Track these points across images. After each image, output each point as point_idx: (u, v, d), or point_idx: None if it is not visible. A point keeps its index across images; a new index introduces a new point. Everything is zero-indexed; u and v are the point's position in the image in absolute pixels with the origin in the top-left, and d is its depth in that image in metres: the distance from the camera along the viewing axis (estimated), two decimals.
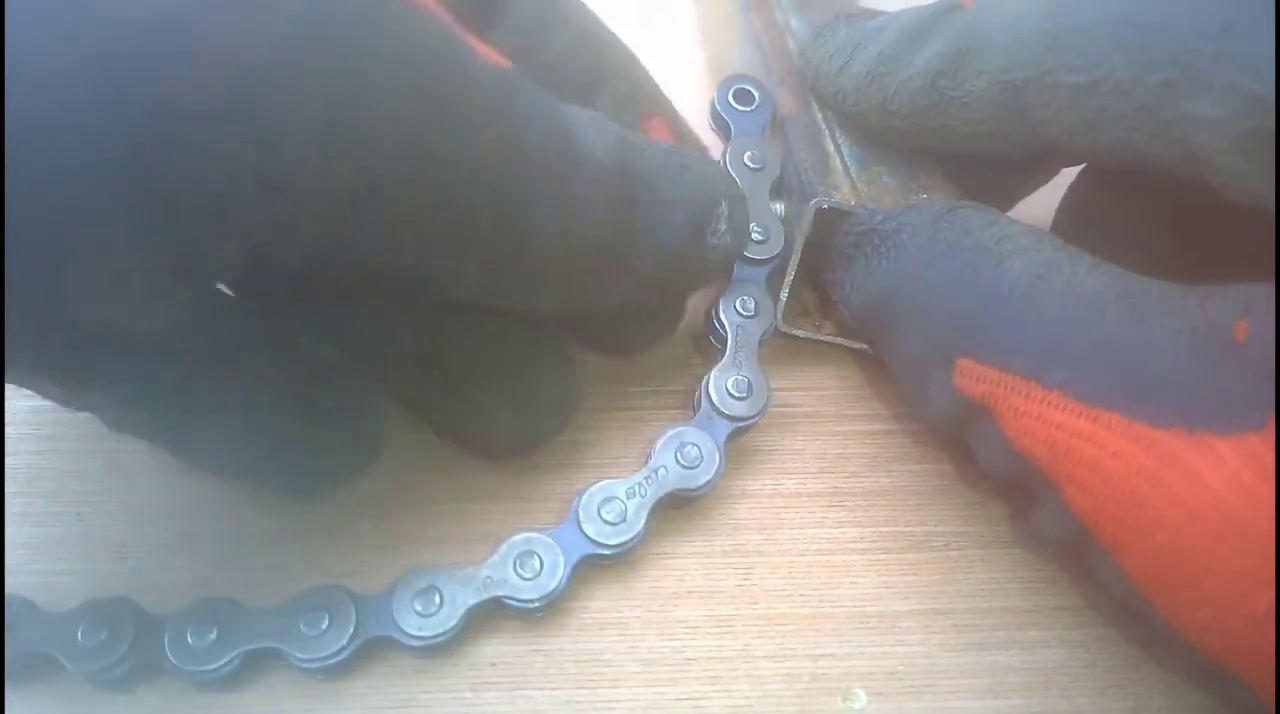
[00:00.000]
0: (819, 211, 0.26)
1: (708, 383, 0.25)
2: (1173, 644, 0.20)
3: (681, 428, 0.25)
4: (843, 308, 0.26)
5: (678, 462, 0.24)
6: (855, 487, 0.26)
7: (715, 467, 0.24)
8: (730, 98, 0.29)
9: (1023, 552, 0.26)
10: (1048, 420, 0.20)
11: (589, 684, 0.23)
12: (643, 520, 0.23)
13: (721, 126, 0.29)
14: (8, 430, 0.25)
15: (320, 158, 0.17)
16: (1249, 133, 0.18)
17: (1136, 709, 0.23)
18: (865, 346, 0.27)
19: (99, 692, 0.22)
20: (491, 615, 0.23)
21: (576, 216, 0.20)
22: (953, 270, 0.23)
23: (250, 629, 0.22)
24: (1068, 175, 0.27)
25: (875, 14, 0.27)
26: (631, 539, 0.23)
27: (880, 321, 0.25)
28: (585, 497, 0.24)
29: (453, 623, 0.22)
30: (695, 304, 0.27)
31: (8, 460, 0.25)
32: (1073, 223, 0.27)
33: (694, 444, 0.24)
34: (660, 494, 0.24)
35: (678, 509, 0.25)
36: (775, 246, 0.27)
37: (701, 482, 0.24)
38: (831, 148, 0.27)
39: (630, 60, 0.27)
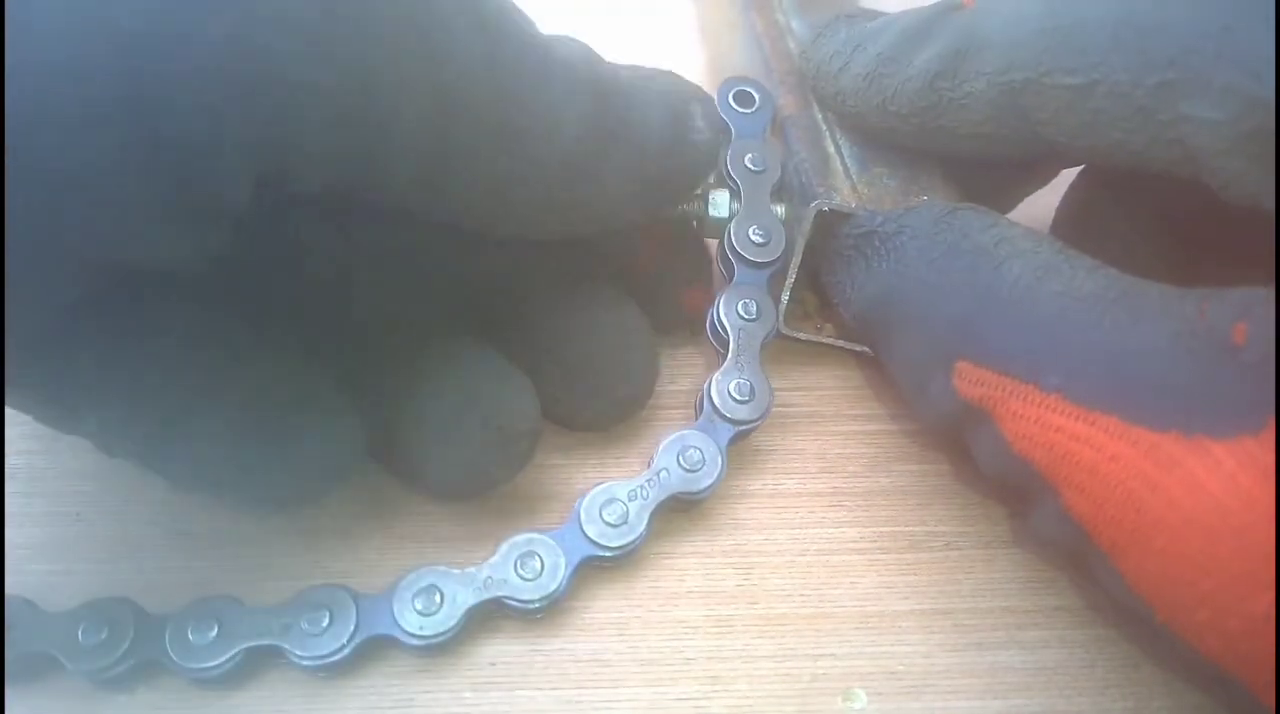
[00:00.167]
0: (819, 214, 0.26)
1: (710, 386, 0.25)
2: (1172, 645, 0.20)
3: (684, 431, 0.25)
4: (843, 310, 0.26)
5: (680, 465, 0.24)
6: (855, 487, 0.27)
7: (717, 470, 0.24)
8: (730, 100, 0.29)
9: (1023, 552, 0.26)
10: (1046, 423, 0.20)
11: (589, 684, 0.23)
12: (644, 523, 0.24)
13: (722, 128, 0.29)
14: (8, 430, 0.25)
15: (314, 70, 0.17)
16: (1248, 134, 0.18)
17: (1136, 709, 0.23)
18: (866, 349, 0.27)
19: (99, 691, 0.22)
20: (492, 615, 0.23)
21: (560, 119, 0.21)
22: (952, 273, 0.23)
23: (251, 626, 0.22)
24: (1067, 177, 0.27)
25: (875, 15, 0.27)
26: (633, 541, 0.23)
27: (880, 324, 0.25)
28: (587, 498, 0.24)
29: (453, 622, 0.22)
30: (695, 304, 0.27)
31: (8, 460, 0.25)
32: (1072, 224, 0.27)
33: (696, 447, 0.24)
34: (662, 497, 0.24)
35: (678, 511, 0.25)
36: (776, 249, 0.27)
37: (703, 485, 0.24)
38: (832, 149, 0.27)
39: None
